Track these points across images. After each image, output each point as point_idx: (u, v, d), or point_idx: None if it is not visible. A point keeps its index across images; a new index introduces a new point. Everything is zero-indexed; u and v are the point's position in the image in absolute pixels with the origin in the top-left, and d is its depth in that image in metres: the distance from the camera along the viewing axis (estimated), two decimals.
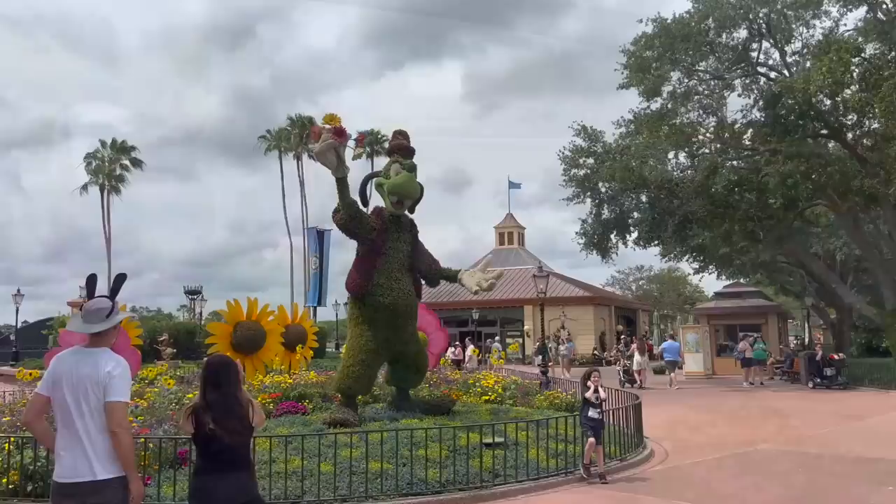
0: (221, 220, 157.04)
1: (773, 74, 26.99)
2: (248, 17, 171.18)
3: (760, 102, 27.06)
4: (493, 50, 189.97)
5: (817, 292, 39.03)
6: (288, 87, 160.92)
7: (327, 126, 10.59)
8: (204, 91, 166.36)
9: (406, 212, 12.03)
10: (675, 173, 28.19)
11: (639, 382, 26.86)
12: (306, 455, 8.71)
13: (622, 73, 27.47)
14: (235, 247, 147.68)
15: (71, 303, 41.25)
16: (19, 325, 44.83)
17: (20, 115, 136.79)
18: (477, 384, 15.24)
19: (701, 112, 27.73)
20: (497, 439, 9.79)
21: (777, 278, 43.34)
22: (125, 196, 60.60)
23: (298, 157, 59.71)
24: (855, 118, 25.27)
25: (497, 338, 44.96)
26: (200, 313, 46.95)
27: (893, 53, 23.15)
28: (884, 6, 23.45)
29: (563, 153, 29.39)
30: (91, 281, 4.70)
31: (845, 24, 25.24)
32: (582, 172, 29.14)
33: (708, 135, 27.87)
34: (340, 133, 10.60)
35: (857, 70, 23.17)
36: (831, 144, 27.41)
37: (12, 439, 8.60)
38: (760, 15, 24.89)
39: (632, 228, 30.24)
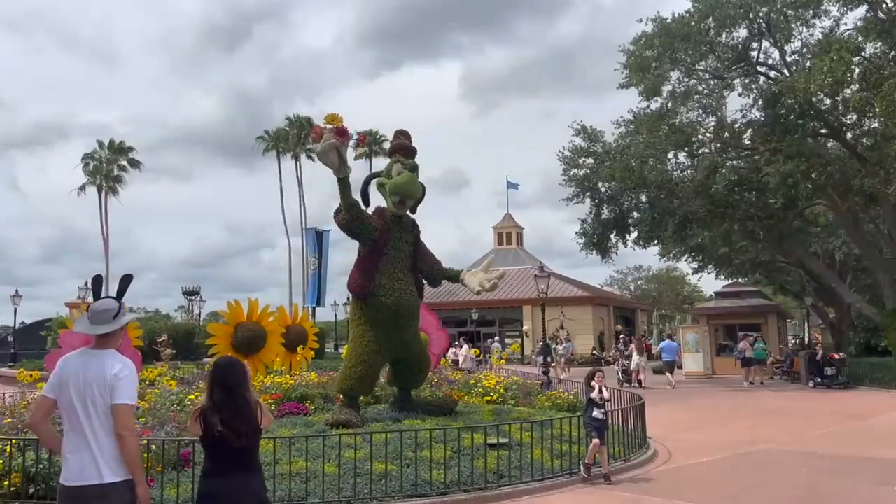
0: (219, 221, 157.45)
1: (772, 74, 26.97)
2: (245, 18, 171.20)
3: (760, 102, 27.03)
4: (491, 49, 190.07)
5: (816, 292, 39.06)
6: (285, 88, 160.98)
7: (329, 126, 10.53)
8: (202, 91, 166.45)
9: (408, 212, 11.99)
10: (674, 173, 28.16)
11: (637, 383, 26.84)
12: (310, 456, 8.67)
13: (622, 72, 27.42)
14: (233, 247, 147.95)
15: (69, 304, 41.17)
16: (17, 326, 44.71)
17: (17, 116, 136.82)
18: (478, 384, 15.21)
19: (701, 112, 27.70)
20: (501, 440, 9.76)
21: (776, 278, 43.38)
22: (123, 197, 60.63)
23: (297, 158, 59.66)
24: (855, 117, 25.24)
25: (496, 338, 44.94)
26: (199, 314, 46.93)
27: (894, 52, 23.12)
28: (884, 5, 23.42)
29: (562, 153, 29.36)
30: (97, 282, 4.65)
31: (845, 24, 25.23)
32: (582, 172, 29.08)
33: (708, 134, 27.84)
34: (342, 133, 10.55)
35: (857, 69, 23.14)
36: (830, 144, 27.40)
37: (14, 441, 8.53)
38: (760, 14, 24.85)
39: (631, 228, 30.19)
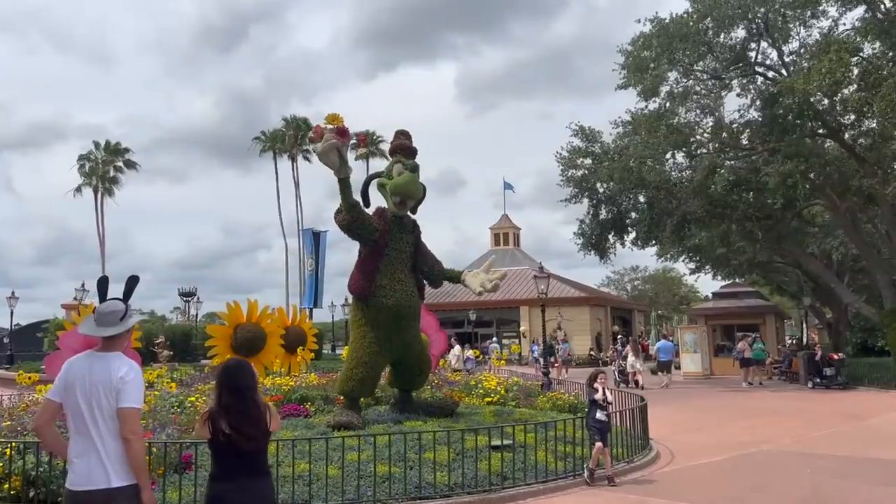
0: (215, 222, 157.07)
1: (770, 74, 26.98)
2: (241, 19, 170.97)
3: (758, 102, 27.05)
4: (486, 50, 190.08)
5: (813, 292, 39.10)
6: (281, 89, 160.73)
7: (329, 126, 10.47)
8: (197, 92, 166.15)
9: (408, 212, 11.92)
10: (673, 173, 28.16)
11: (633, 383, 26.80)
12: (312, 459, 8.61)
13: (620, 73, 27.44)
14: (229, 248, 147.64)
15: (65, 305, 41.05)
16: (13, 327, 44.53)
17: (12, 117, 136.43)
18: (479, 386, 15.16)
19: (699, 112, 27.70)
20: (505, 441, 9.70)
21: (773, 278, 43.43)
22: (119, 198, 60.45)
23: (293, 159, 59.55)
24: (853, 118, 25.26)
25: (494, 339, 44.93)
26: (196, 315, 46.80)
27: (892, 53, 23.13)
28: (882, 5, 23.44)
29: (560, 154, 29.36)
30: (102, 283, 4.58)
31: (844, 24, 25.27)
32: (580, 173, 29.07)
33: (706, 135, 27.85)
34: (343, 133, 10.48)
35: (856, 70, 23.15)
36: (828, 144, 27.42)
37: (14, 444, 8.45)
38: (759, 14, 24.84)
39: (630, 229, 30.19)
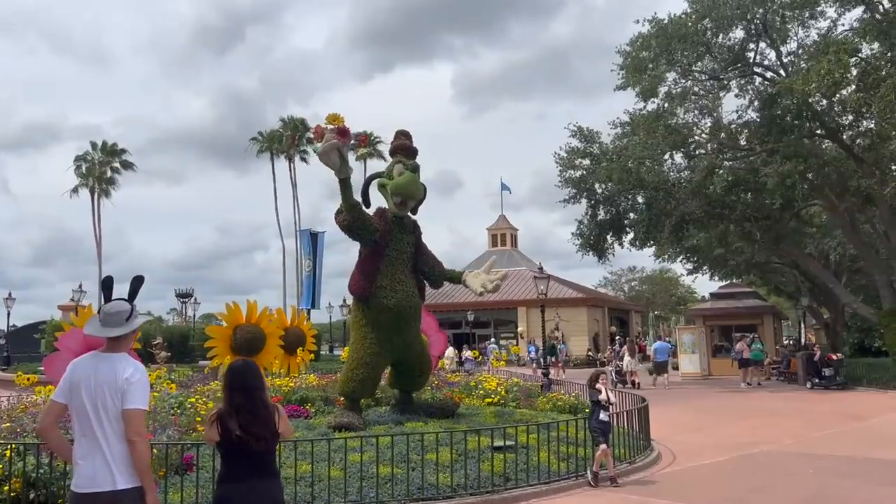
0: (211, 223, 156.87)
1: (768, 75, 27.00)
2: (237, 19, 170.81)
3: (756, 103, 27.08)
4: (483, 51, 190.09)
5: (811, 293, 39.13)
6: (278, 89, 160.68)
7: (330, 126, 10.43)
8: (193, 93, 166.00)
9: (409, 213, 11.88)
10: (671, 174, 28.17)
11: (630, 383, 26.80)
12: (315, 459, 8.57)
13: (618, 73, 27.42)
14: (226, 249, 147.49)
15: (62, 306, 40.90)
16: (9, 328, 44.40)
17: (8, 118, 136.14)
18: (479, 386, 15.13)
19: (697, 113, 27.71)
20: (507, 442, 9.67)
21: (770, 279, 43.49)
22: (115, 199, 60.29)
23: (290, 159, 59.41)
24: (851, 118, 25.28)
25: (492, 339, 44.92)
26: (193, 316, 46.72)
27: (891, 53, 23.14)
28: (881, 6, 23.45)
29: (558, 154, 29.35)
30: (107, 283, 4.52)
31: (843, 24, 25.31)
32: (578, 174, 29.06)
33: (704, 135, 27.86)
34: (344, 133, 10.45)
35: (854, 70, 23.17)
36: (825, 145, 27.44)
37: (13, 446, 8.39)
38: (757, 15, 24.85)
39: (628, 229, 30.20)
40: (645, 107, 27.56)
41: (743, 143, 27.66)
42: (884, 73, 22.02)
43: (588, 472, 9.83)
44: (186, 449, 8.73)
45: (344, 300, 52.60)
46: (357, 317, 11.65)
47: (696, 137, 27.81)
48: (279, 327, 16.06)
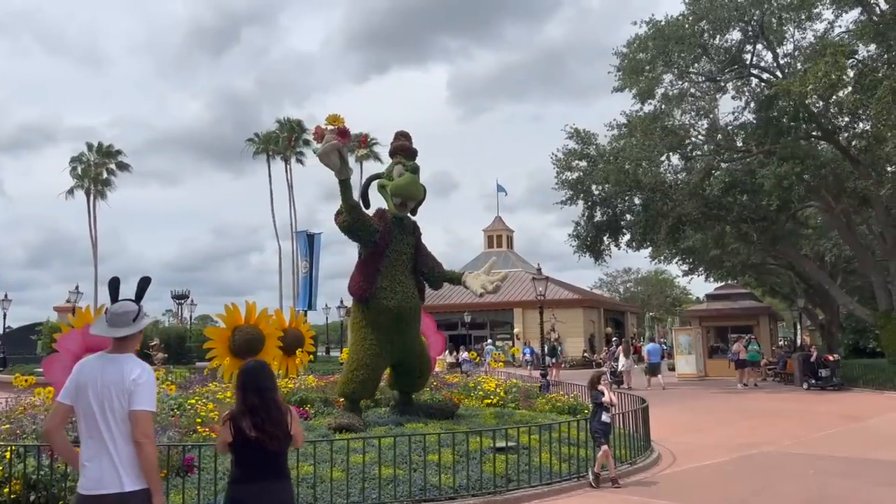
0: (207, 225, 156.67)
1: (765, 76, 27.06)
2: (233, 21, 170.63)
3: (753, 104, 27.13)
4: (478, 53, 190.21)
5: (806, 294, 39.21)
6: (273, 91, 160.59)
7: (330, 127, 10.40)
8: (189, 95, 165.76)
9: (409, 214, 11.86)
10: (668, 175, 28.21)
11: (627, 384, 26.82)
12: (316, 461, 8.54)
13: (615, 75, 27.45)
14: (222, 251, 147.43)
15: (58, 308, 40.80)
16: (5, 330, 44.24)
17: (3, 119, 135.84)
18: (478, 387, 15.11)
19: (694, 114, 27.76)
20: (509, 443, 9.66)
21: (766, 280, 43.56)
22: (111, 200, 60.14)
23: (287, 161, 59.36)
24: (848, 120, 25.35)
25: (489, 340, 44.92)
26: (189, 318, 46.62)
27: (888, 55, 23.21)
28: (877, 8, 23.52)
29: (555, 156, 29.37)
30: (114, 284, 4.50)
31: (840, 26, 25.36)
32: (574, 175, 29.09)
33: (701, 137, 27.90)
34: (344, 134, 10.42)
35: (851, 72, 23.23)
36: (822, 146, 27.50)
37: (13, 447, 8.35)
38: (755, 17, 24.91)
39: (624, 231, 30.23)
40: (642, 108, 27.63)
41: (740, 144, 27.72)
42: (880, 74, 22.09)
43: (589, 472, 9.83)
44: (187, 450, 8.69)
45: (341, 301, 52.57)
46: (357, 318, 11.62)
47: (693, 139, 27.86)
48: (278, 328, 16.04)
